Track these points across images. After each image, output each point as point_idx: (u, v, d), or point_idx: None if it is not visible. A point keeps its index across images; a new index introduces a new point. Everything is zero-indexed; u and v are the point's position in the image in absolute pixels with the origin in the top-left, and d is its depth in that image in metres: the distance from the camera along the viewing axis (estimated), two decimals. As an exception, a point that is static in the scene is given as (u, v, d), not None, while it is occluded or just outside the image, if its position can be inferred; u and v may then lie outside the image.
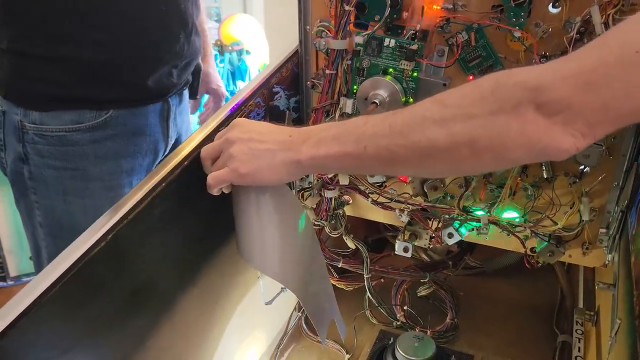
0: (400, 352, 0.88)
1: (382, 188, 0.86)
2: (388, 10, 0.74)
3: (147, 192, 0.64)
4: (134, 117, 1.03)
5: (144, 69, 1.01)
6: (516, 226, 0.81)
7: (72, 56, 0.96)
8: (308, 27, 0.83)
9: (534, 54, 0.70)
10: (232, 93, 2.43)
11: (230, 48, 2.42)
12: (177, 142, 1.18)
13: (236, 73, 2.45)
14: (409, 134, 0.54)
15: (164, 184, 0.66)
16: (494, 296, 1.11)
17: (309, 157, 0.59)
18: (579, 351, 0.83)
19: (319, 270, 0.81)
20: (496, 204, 0.80)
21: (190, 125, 1.28)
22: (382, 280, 0.98)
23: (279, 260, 0.71)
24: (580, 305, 0.95)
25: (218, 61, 2.38)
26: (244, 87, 0.83)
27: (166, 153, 1.14)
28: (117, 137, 1.02)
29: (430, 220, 0.86)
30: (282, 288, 0.87)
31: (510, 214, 0.81)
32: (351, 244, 0.95)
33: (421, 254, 1.08)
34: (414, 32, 0.74)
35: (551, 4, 0.68)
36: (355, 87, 0.79)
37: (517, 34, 0.70)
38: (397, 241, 0.89)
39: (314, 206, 0.90)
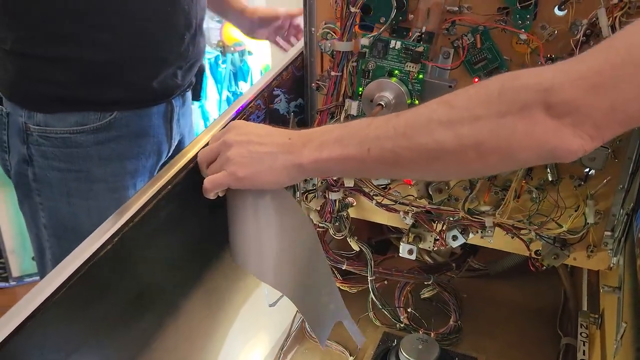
0: (405, 354, 0.87)
1: (386, 190, 0.85)
2: (394, 12, 0.73)
3: (153, 195, 0.64)
4: (138, 118, 1.03)
5: (149, 70, 1.01)
6: (521, 229, 0.81)
7: (75, 57, 0.96)
8: (313, 29, 0.82)
9: (540, 56, 0.70)
10: (234, 94, 2.43)
11: (232, 49, 2.42)
12: (180, 144, 1.18)
13: (238, 74, 2.45)
14: (414, 136, 0.53)
15: (169, 187, 0.65)
16: (497, 298, 1.10)
17: (311, 161, 0.59)
18: (584, 354, 0.83)
19: (323, 276, 0.80)
20: (501, 207, 0.80)
21: (193, 127, 1.28)
22: (385, 282, 0.98)
23: (276, 266, 0.70)
24: (584, 308, 0.94)
25: (220, 62, 2.38)
26: (249, 89, 0.83)
27: (169, 154, 1.14)
28: (121, 139, 1.02)
29: (434, 222, 0.85)
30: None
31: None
32: (355, 246, 0.95)
33: (425, 256, 1.07)
34: (419, 34, 0.74)
35: (557, 6, 0.68)
36: (360, 89, 0.79)
37: (523, 36, 0.70)
38: (401, 243, 0.88)
39: (318, 208, 0.90)
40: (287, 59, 0.86)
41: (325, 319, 0.81)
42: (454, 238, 0.84)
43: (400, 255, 0.89)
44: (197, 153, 0.69)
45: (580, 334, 0.86)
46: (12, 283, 1.95)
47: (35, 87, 0.97)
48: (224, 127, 0.74)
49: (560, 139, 0.48)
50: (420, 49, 0.74)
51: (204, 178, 0.65)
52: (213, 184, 0.63)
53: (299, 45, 0.87)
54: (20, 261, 1.93)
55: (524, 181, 0.79)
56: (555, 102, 0.47)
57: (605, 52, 0.48)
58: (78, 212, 1.02)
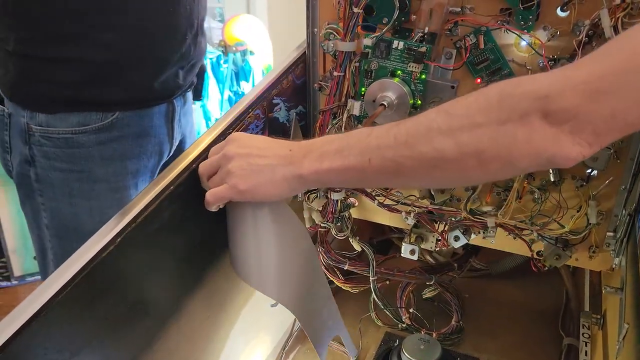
0: (406, 354, 0.87)
1: (388, 190, 0.85)
2: (396, 12, 0.73)
3: (155, 196, 0.64)
4: (139, 118, 1.03)
5: (150, 70, 1.01)
6: (523, 229, 0.81)
7: (76, 57, 0.96)
8: (316, 29, 0.82)
9: (542, 57, 0.70)
10: (236, 94, 2.43)
11: (234, 49, 2.42)
12: (182, 144, 1.18)
13: (240, 74, 2.45)
14: (415, 145, 0.53)
15: (172, 188, 0.66)
16: (499, 299, 1.10)
17: (312, 172, 0.58)
18: (586, 355, 0.83)
19: (321, 289, 0.80)
20: (503, 207, 0.80)
21: (195, 127, 1.28)
22: (387, 282, 0.98)
23: (276, 278, 0.70)
24: (586, 308, 0.94)
25: (222, 62, 2.39)
26: (251, 90, 0.83)
27: (170, 154, 1.15)
28: (123, 139, 1.02)
29: (436, 223, 0.85)
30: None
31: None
32: (357, 246, 0.95)
33: (426, 256, 1.07)
34: (422, 34, 0.74)
35: (560, 7, 0.68)
36: (363, 89, 0.79)
37: (524, 42, 0.70)
38: (403, 244, 0.88)
39: (320, 208, 0.90)
40: (287, 62, 0.86)
41: (324, 335, 0.82)
42: (456, 238, 0.84)
43: (402, 255, 0.90)
44: (199, 154, 0.69)
45: (583, 334, 0.86)
46: (14, 282, 1.96)
47: (36, 87, 0.97)
48: (228, 127, 0.75)
49: (559, 147, 0.48)
50: (423, 49, 0.74)
51: (204, 190, 0.65)
52: (215, 197, 0.63)
53: (299, 48, 0.87)
54: (22, 261, 1.94)
55: (526, 182, 0.79)
56: (554, 109, 0.47)
57: (605, 58, 0.47)
58: (80, 213, 1.02)
